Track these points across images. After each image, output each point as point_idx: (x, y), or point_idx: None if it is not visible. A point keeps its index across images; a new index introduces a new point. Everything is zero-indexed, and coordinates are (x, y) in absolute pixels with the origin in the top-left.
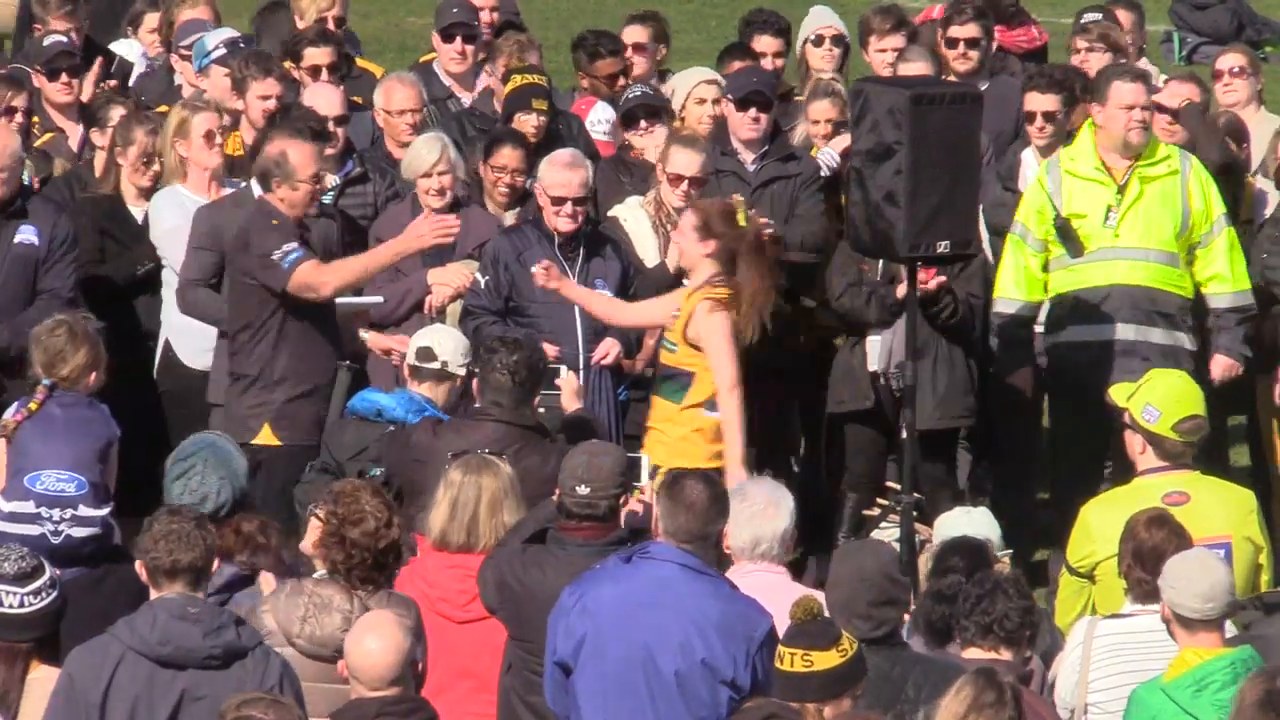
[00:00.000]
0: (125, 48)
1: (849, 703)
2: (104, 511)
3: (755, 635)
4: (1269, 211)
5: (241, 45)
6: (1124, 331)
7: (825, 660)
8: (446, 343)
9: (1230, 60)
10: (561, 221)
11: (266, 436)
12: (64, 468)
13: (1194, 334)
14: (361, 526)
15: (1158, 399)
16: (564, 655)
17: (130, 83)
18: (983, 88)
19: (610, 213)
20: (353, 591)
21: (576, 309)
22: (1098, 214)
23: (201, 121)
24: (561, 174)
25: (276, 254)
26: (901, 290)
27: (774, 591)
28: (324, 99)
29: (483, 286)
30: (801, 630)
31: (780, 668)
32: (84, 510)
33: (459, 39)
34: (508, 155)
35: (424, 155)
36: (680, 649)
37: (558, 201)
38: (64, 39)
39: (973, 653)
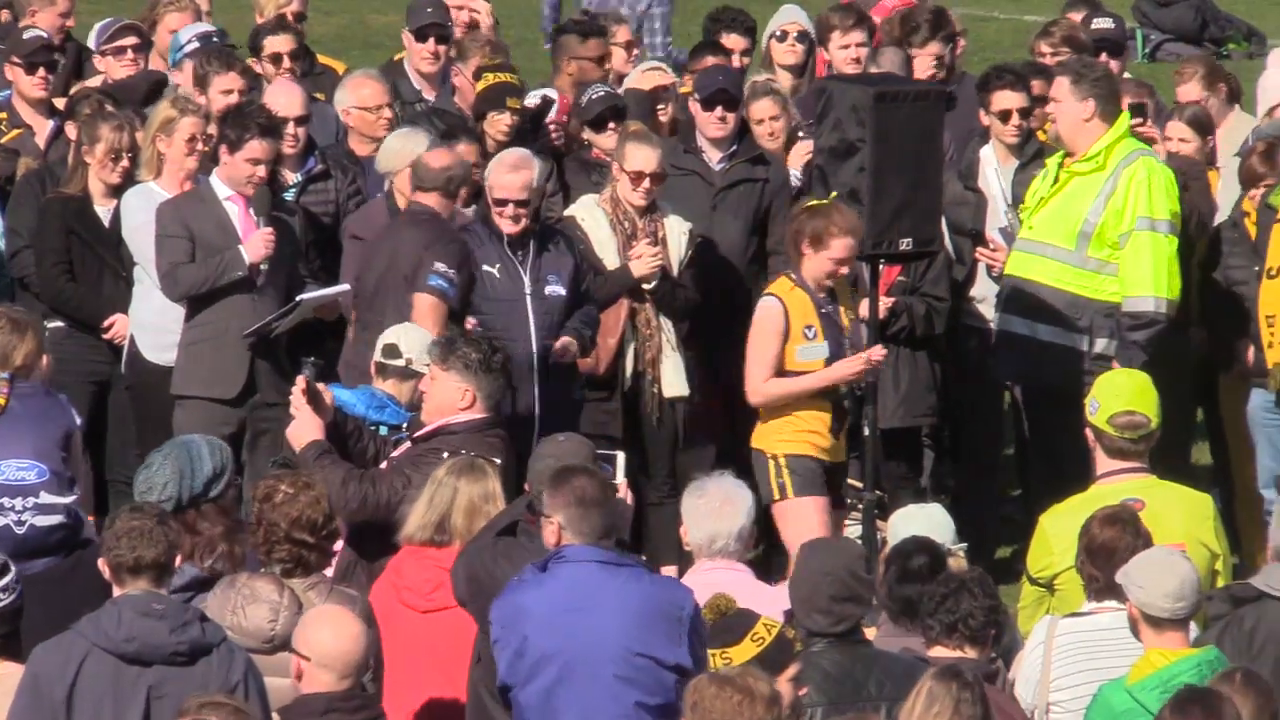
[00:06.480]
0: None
1: (789, 687)
2: (69, 500)
3: (683, 613)
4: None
5: (215, 40)
6: (1015, 324)
7: (742, 654)
8: (412, 340)
9: (1189, 91)
10: (504, 223)
11: None
12: (24, 457)
13: (1091, 335)
14: (272, 501)
15: (1101, 393)
16: (503, 675)
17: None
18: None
19: (567, 212)
20: (284, 583)
21: (529, 307)
22: (1031, 206)
23: (187, 125)
24: (505, 176)
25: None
26: (864, 309)
27: (735, 589)
28: (284, 98)
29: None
30: (714, 631)
31: None
32: (46, 498)
33: (432, 39)
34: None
35: (401, 151)
36: (616, 647)
37: (500, 203)
38: (44, 33)
39: (938, 651)
